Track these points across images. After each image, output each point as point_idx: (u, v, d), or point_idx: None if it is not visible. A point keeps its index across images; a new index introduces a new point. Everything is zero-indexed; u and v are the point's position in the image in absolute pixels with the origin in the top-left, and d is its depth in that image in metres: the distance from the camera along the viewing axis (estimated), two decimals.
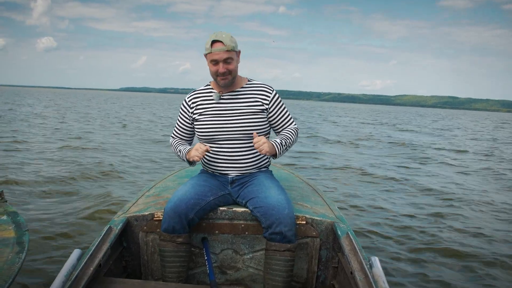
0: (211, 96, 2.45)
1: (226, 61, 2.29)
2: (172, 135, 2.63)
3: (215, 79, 2.39)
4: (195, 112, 2.47)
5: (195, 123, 2.49)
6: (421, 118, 46.29)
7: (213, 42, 2.26)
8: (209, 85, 2.51)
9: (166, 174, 3.56)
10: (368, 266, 1.95)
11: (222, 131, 2.39)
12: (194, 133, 2.55)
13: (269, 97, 2.45)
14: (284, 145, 2.40)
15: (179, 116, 2.56)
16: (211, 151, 2.43)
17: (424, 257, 3.79)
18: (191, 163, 2.44)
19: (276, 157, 2.40)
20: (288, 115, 2.53)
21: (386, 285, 1.77)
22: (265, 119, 2.44)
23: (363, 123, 28.29)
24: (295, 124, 2.55)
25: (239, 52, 2.37)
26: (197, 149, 2.32)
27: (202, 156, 2.32)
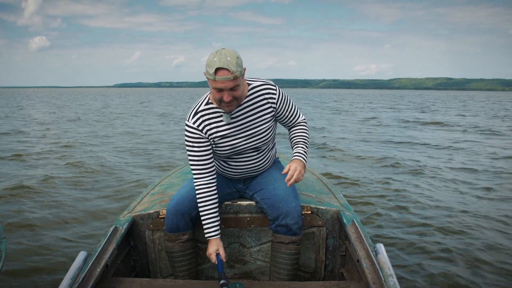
0: (218, 115, 2.17)
1: (232, 89, 2.00)
2: (195, 173, 2.20)
3: (218, 105, 2.09)
4: (208, 136, 2.19)
5: (213, 145, 2.25)
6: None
7: (217, 70, 1.95)
8: (211, 102, 2.18)
9: (171, 170, 3.54)
10: (374, 253, 1.95)
11: (237, 149, 2.25)
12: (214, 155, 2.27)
13: (274, 97, 2.22)
14: (307, 150, 2.28)
15: (193, 146, 2.16)
16: (225, 163, 2.34)
17: (430, 243, 3.81)
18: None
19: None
20: (296, 109, 2.34)
21: (392, 271, 1.78)
22: (273, 119, 2.29)
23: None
24: (303, 117, 2.38)
25: (245, 70, 2.07)
26: (209, 254, 2.18)
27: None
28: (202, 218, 2.20)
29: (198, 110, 2.17)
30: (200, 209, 2.19)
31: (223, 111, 2.12)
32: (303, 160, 2.21)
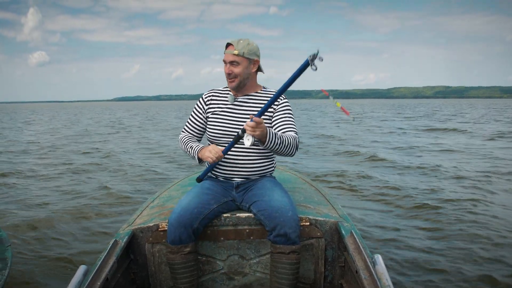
0: (227, 97, 2.51)
1: (232, 63, 2.38)
2: (183, 130, 2.65)
3: (227, 81, 2.47)
4: (208, 110, 2.53)
5: (208, 120, 2.54)
6: None
7: (228, 44, 2.40)
8: (226, 87, 2.55)
9: (170, 183, 3.56)
10: (372, 264, 1.96)
11: (231, 132, 2.41)
12: (205, 131, 2.59)
13: (279, 100, 2.44)
14: (278, 138, 2.20)
15: (193, 111, 2.59)
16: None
17: (428, 254, 3.80)
18: (200, 160, 2.47)
19: (264, 144, 2.18)
20: (291, 122, 2.42)
21: (390, 283, 1.79)
22: (270, 122, 2.43)
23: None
24: (295, 134, 2.38)
25: (255, 61, 2.43)
26: (211, 151, 2.35)
27: (215, 160, 2.33)
28: (187, 147, 2.52)
29: (214, 89, 2.60)
30: (185, 144, 2.55)
31: (230, 93, 2.49)
32: (269, 132, 2.15)
